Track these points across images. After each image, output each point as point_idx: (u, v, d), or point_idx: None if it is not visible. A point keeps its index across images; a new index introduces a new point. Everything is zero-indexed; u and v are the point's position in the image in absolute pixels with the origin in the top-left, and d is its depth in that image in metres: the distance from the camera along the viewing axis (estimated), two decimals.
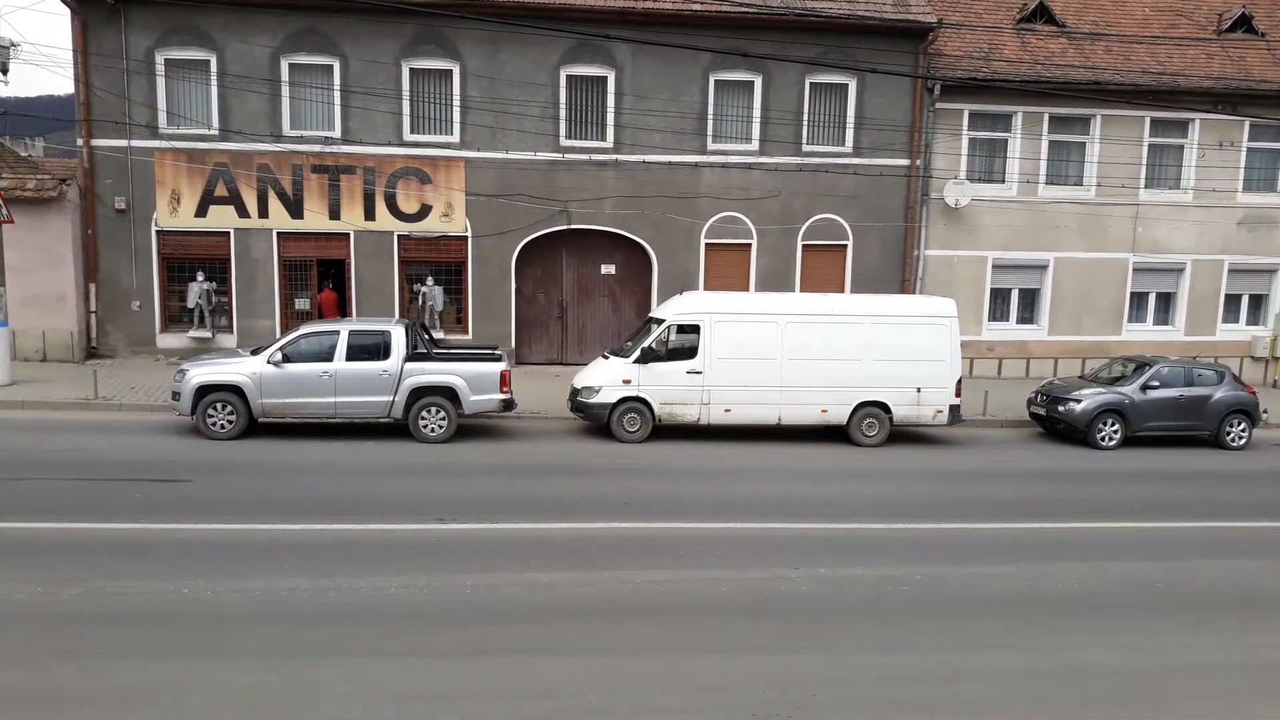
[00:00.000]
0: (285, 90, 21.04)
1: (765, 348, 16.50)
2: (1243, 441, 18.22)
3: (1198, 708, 7.64)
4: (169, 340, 21.50)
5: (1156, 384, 17.98)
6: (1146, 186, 24.17)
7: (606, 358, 17.20)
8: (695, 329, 16.55)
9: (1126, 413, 17.69)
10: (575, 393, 16.81)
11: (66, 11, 20.39)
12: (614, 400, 16.38)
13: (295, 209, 21.42)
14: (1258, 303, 25.41)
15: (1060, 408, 17.95)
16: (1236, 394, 18.29)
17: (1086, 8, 24.92)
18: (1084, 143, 23.84)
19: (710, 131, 22.36)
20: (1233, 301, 25.24)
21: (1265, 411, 19.20)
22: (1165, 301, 25.09)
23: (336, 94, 21.18)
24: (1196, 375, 18.34)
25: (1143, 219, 24.23)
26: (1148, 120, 23.81)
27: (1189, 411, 18.04)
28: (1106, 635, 8.91)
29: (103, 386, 17.79)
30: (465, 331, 22.34)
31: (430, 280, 22.08)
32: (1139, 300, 24.90)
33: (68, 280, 20.61)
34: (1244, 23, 24.82)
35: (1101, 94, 22.77)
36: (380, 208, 21.65)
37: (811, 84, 22.53)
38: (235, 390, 15.12)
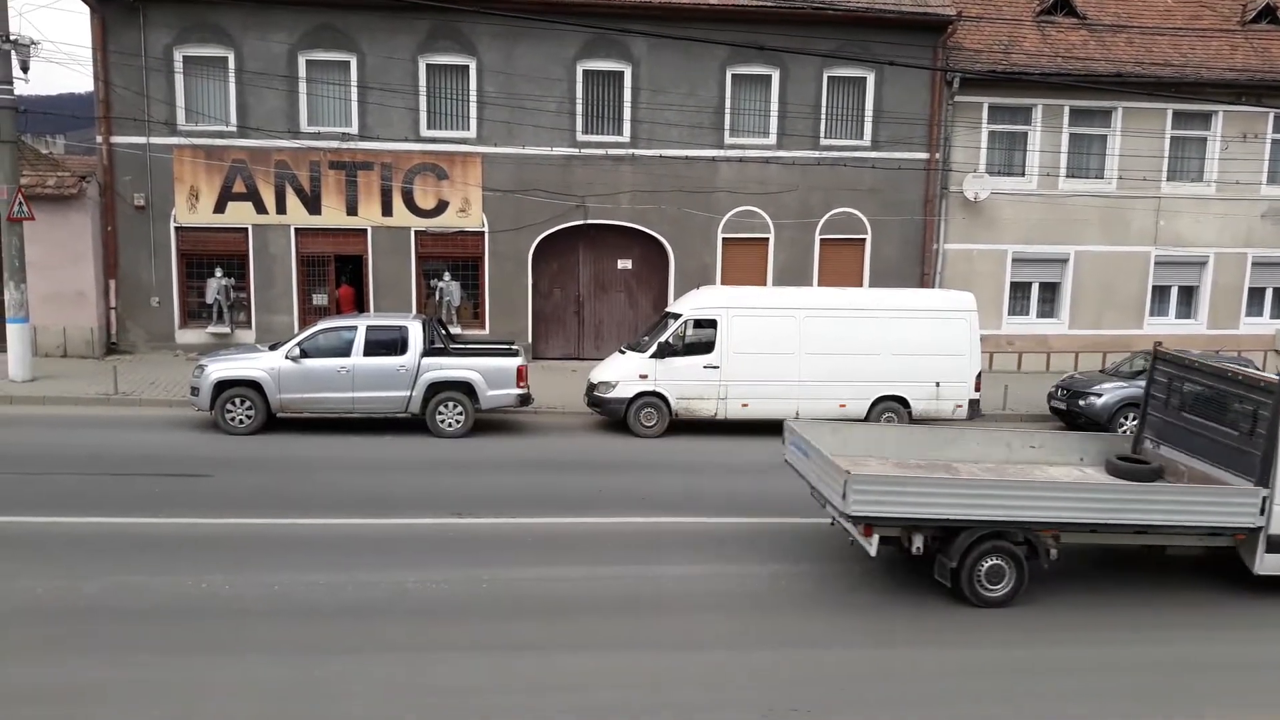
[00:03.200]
0: (303, 87, 21.07)
1: (783, 342, 16.40)
2: None
3: (1204, 705, 7.57)
4: (188, 336, 21.60)
5: None
6: (1168, 179, 23.88)
7: (623, 353, 17.17)
8: (712, 324, 16.49)
9: None
10: (592, 388, 16.79)
11: (86, 10, 20.49)
12: (631, 395, 16.34)
13: (313, 205, 21.47)
14: None
15: (1081, 402, 17.80)
16: None
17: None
18: (1105, 135, 23.59)
19: (727, 125, 22.25)
20: (1256, 295, 24.92)
21: None
22: (1187, 295, 24.83)
23: (353, 90, 21.21)
24: None
25: (1164, 212, 23.97)
26: (1170, 112, 23.53)
27: None
28: (1116, 631, 8.84)
29: (122, 382, 17.88)
30: (482, 327, 22.34)
31: (447, 276, 22.10)
32: (1161, 294, 24.64)
33: (88, 277, 20.73)
34: (1268, 13, 24.49)
35: (1123, 86, 22.51)
36: (397, 203, 21.67)
37: (829, 77, 22.39)
38: (254, 385, 15.16)
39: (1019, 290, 24.11)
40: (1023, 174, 23.51)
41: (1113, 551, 10.37)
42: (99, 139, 20.85)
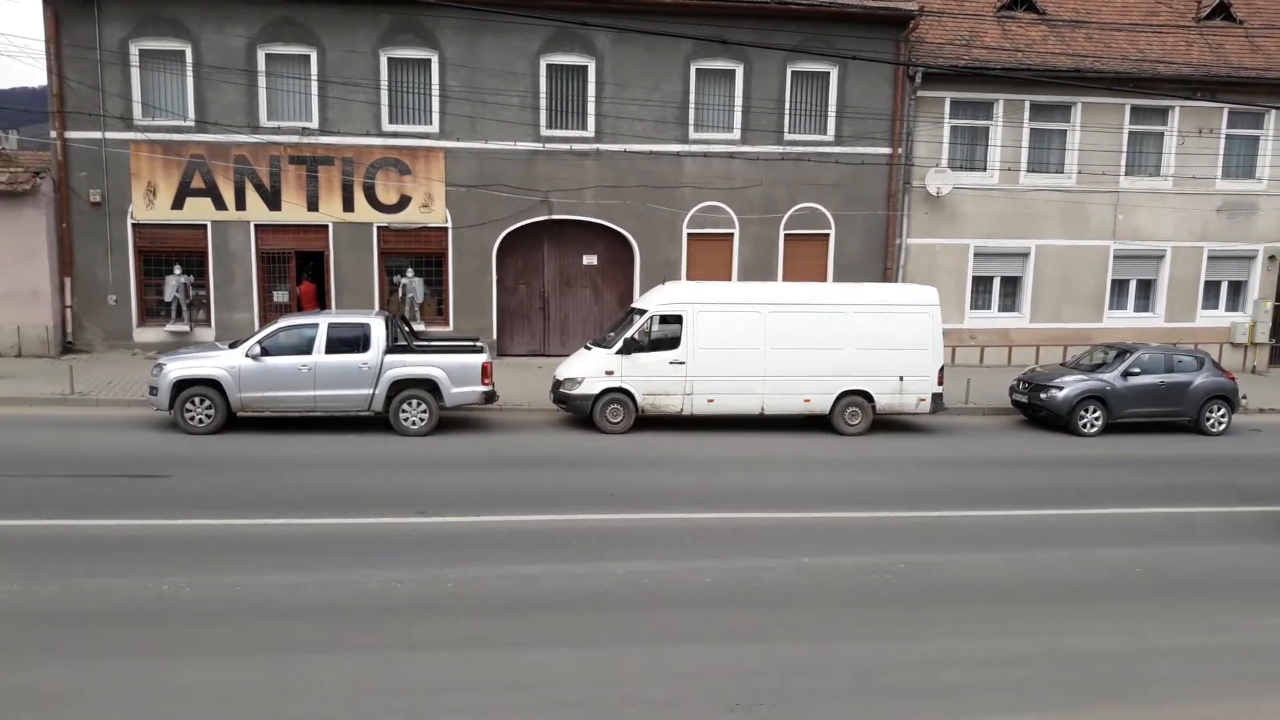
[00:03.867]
0: (262, 81, 20.83)
1: (748, 337, 16.46)
2: (1222, 427, 18.33)
3: (1179, 691, 7.68)
4: (146, 334, 21.30)
5: (1137, 371, 18.06)
6: (1127, 174, 24.23)
7: (589, 349, 17.14)
8: (678, 319, 16.50)
9: (1108, 399, 17.76)
10: (557, 384, 16.74)
11: (39, 2, 20.10)
12: (596, 391, 16.31)
13: (273, 201, 21.23)
14: (1237, 289, 25.56)
15: (1042, 395, 18.01)
16: (1216, 380, 18.40)
17: None
18: (1065, 130, 23.89)
19: (692, 120, 22.28)
20: (1212, 288, 25.37)
21: (1244, 397, 19.32)
22: (1146, 288, 25.21)
23: (314, 84, 20.99)
24: (1176, 362, 18.43)
25: (1123, 206, 24.31)
26: (1128, 107, 23.88)
27: (1169, 398, 18.12)
28: (1089, 621, 8.94)
29: (79, 381, 17.59)
30: (446, 323, 22.22)
31: (410, 272, 21.95)
32: (1120, 287, 25.01)
33: (42, 274, 20.36)
34: (1222, 10, 24.91)
35: (1082, 81, 22.81)
36: (359, 199, 21.48)
37: (793, 72, 22.47)
38: (213, 384, 14.96)
39: (981, 284, 24.38)
40: (984, 169, 23.77)
41: None
42: (53, 134, 20.50)
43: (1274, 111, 24.00)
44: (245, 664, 7.47)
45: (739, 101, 22.37)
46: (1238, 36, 24.62)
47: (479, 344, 16.71)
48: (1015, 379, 19.26)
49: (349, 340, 15.46)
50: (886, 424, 17.59)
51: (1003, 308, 24.67)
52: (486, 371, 15.86)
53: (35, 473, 12.38)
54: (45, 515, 10.73)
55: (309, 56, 20.92)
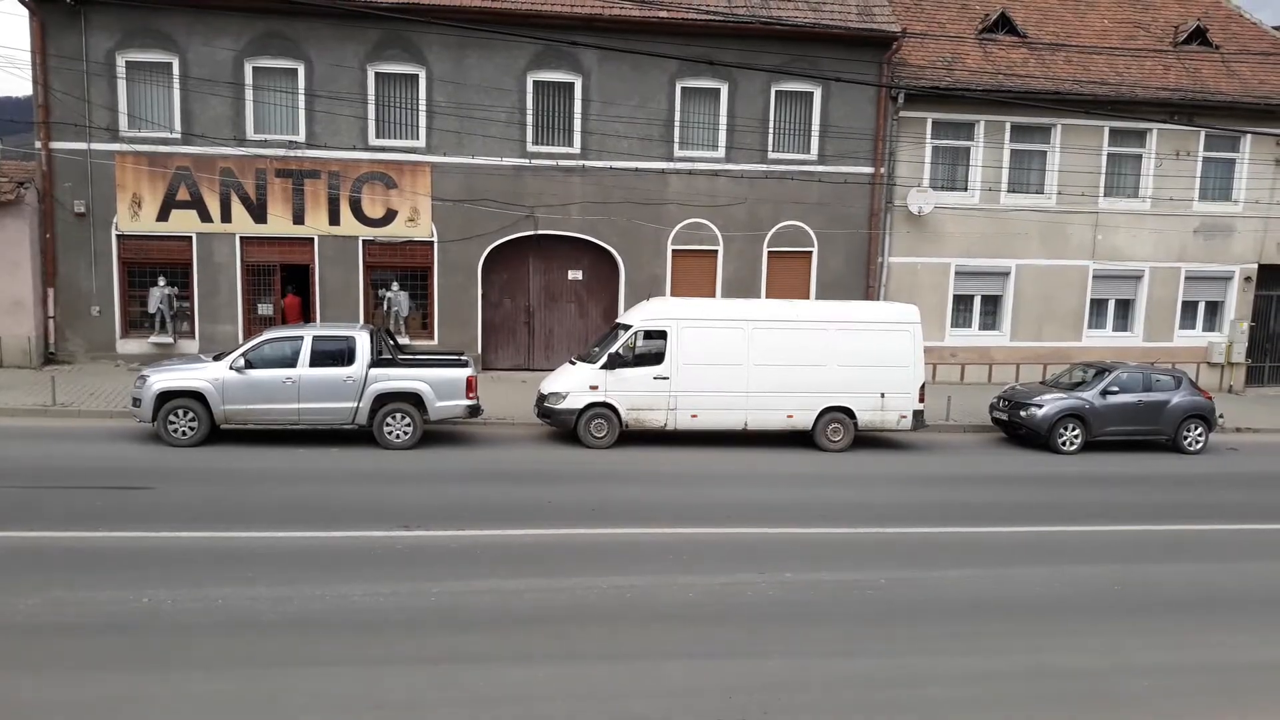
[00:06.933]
0: (249, 94, 20.85)
1: (732, 353, 16.57)
2: (1199, 445, 18.53)
3: (1156, 708, 7.77)
4: (129, 346, 21.21)
5: (1116, 389, 18.25)
6: (1106, 195, 24.53)
7: (574, 363, 17.20)
8: (662, 335, 16.59)
9: (1087, 418, 17.94)
10: (542, 399, 16.78)
11: (25, 12, 20.08)
12: (581, 406, 16.36)
13: (259, 213, 21.22)
14: (1214, 309, 25.86)
15: (1022, 413, 18.17)
16: (1193, 399, 18.60)
17: (1047, 19, 25.30)
18: (1045, 151, 24.17)
19: (677, 138, 22.42)
20: (1189, 308, 25.66)
21: (1221, 416, 19.54)
22: (1124, 308, 25.48)
23: (301, 98, 21.02)
24: (1154, 381, 18.64)
25: (1102, 227, 24.60)
26: (1106, 130, 24.18)
27: (1147, 416, 18.32)
28: (1067, 637, 9.03)
29: (61, 393, 17.51)
30: (431, 337, 22.23)
31: (395, 285, 21.96)
32: (1099, 307, 25.26)
33: (25, 285, 20.26)
34: (1199, 35, 25.30)
35: (1062, 103, 23.09)
36: (345, 212, 21.50)
37: (777, 92, 22.67)
38: (197, 396, 14.93)
39: (962, 303, 24.58)
40: (965, 189, 23.99)
41: None
42: (38, 144, 20.45)
43: (1249, 135, 24.35)
44: (226, 678, 7.46)
45: (724, 120, 22.54)
46: (1214, 61, 25.01)
47: (464, 358, 16.74)
48: (995, 397, 19.41)
49: (333, 353, 15.47)
50: (868, 440, 17.71)
51: (983, 326, 24.87)
52: (471, 385, 15.89)
53: (15, 484, 12.32)
54: (25, 526, 10.68)
55: (296, 70, 20.96)
